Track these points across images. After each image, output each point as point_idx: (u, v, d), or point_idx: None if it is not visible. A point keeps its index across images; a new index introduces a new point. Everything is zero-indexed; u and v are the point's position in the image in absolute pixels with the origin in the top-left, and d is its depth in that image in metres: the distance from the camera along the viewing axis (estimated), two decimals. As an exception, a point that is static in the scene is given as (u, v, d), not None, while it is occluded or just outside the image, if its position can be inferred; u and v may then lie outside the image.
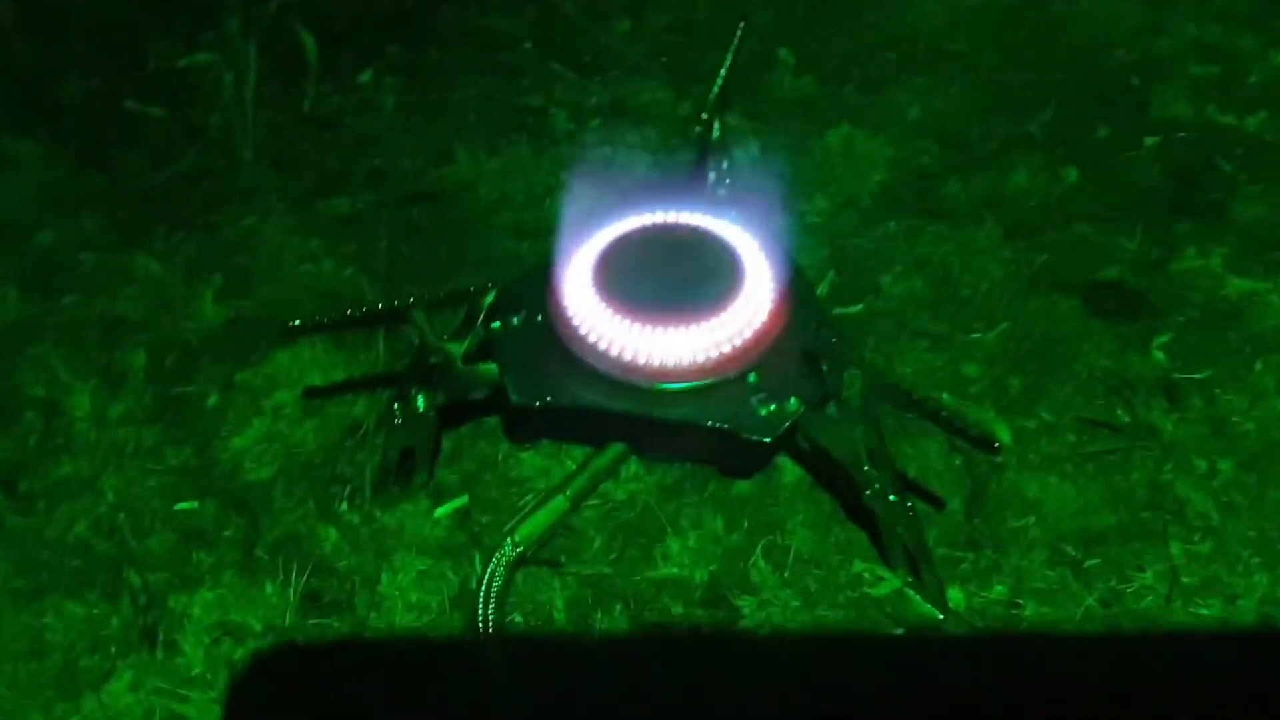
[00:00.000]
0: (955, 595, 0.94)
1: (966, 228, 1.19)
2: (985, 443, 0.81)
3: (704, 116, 1.04)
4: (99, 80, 1.44)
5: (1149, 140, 1.25)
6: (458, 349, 0.94)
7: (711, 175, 1.07)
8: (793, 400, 0.90)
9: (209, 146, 1.36)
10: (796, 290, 0.95)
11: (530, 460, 1.04)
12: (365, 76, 1.43)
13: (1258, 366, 1.06)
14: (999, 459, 1.00)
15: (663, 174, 1.25)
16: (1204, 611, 0.92)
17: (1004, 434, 1.03)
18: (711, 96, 1.03)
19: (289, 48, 1.44)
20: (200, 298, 1.19)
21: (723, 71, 1.04)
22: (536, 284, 0.97)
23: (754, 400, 0.91)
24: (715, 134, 1.06)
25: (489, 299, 0.93)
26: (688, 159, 1.20)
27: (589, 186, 1.20)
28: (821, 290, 1.14)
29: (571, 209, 1.08)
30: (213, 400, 1.10)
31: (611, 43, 1.41)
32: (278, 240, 1.23)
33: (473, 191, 1.27)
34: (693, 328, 0.91)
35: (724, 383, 0.92)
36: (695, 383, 0.91)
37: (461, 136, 1.33)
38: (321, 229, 1.25)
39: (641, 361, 0.91)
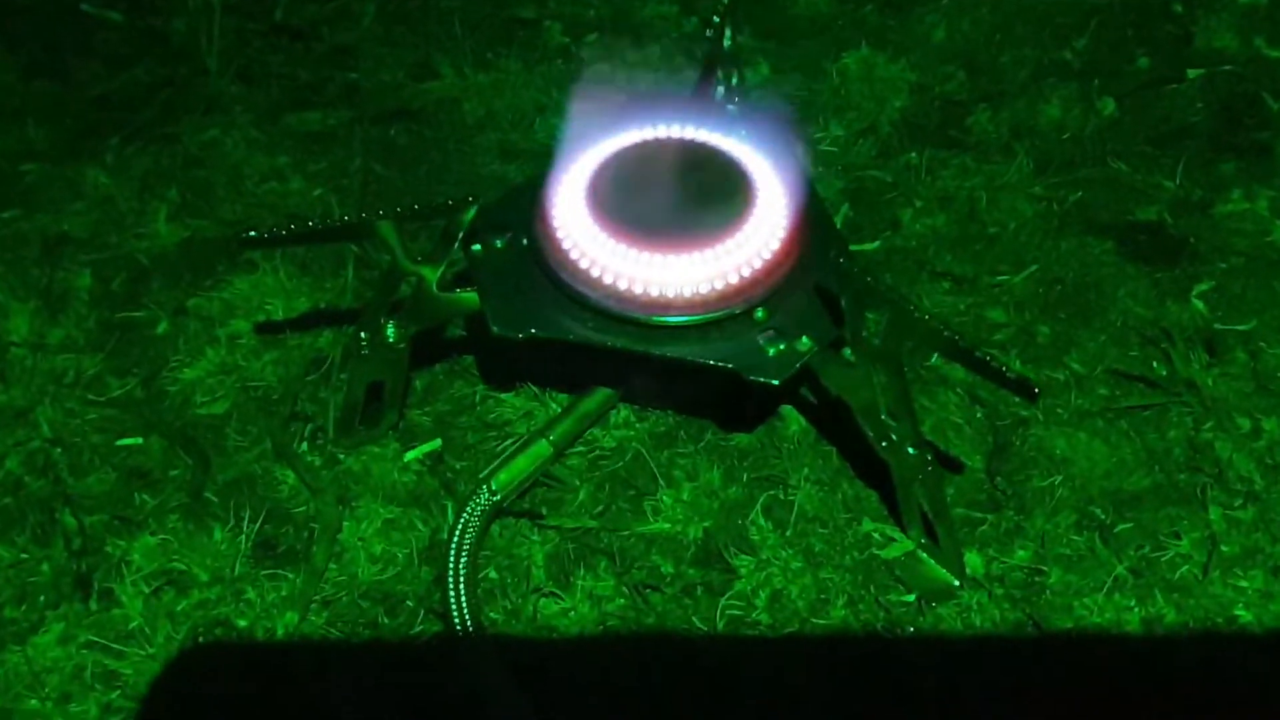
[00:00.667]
0: (973, 560, 0.85)
1: (994, 161, 1.09)
2: (1024, 387, 0.72)
3: (715, 20, 0.93)
4: (53, -19, 1.33)
5: (1192, 73, 1.16)
6: (433, 273, 0.84)
7: (720, 89, 0.97)
8: (804, 339, 0.81)
9: (170, 55, 1.25)
10: (813, 217, 0.86)
11: (510, 402, 0.95)
12: (343, -17, 1.32)
13: (1308, 319, 0.97)
14: (1026, 412, 0.92)
15: (666, 84, 1.15)
16: (1244, 584, 0.84)
17: (1031, 385, 0.94)
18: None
19: (260, -49, 1.33)
20: (153, 215, 1.08)
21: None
22: (523, 202, 0.87)
23: (761, 338, 0.82)
24: (726, 43, 0.96)
25: (469, 216, 0.83)
26: (693, 79, 1.09)
27: (584, 106, 1.09)
28: (835, 221, 1.04)
29: (564, 129, 0.99)
30: (162, 327, 1.00)
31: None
32: (241, 155, 1.13)
33: (456, 109, 1.17)
34: (695, 255, 0.82)
35: (728, 318, 0.82)
36: (696, 317, 0.82)
37: (445, 49, 1.22)
38: (289, 145, 1.14)
39: (638, 291, 0.81)
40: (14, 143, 1.15)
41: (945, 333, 0.74)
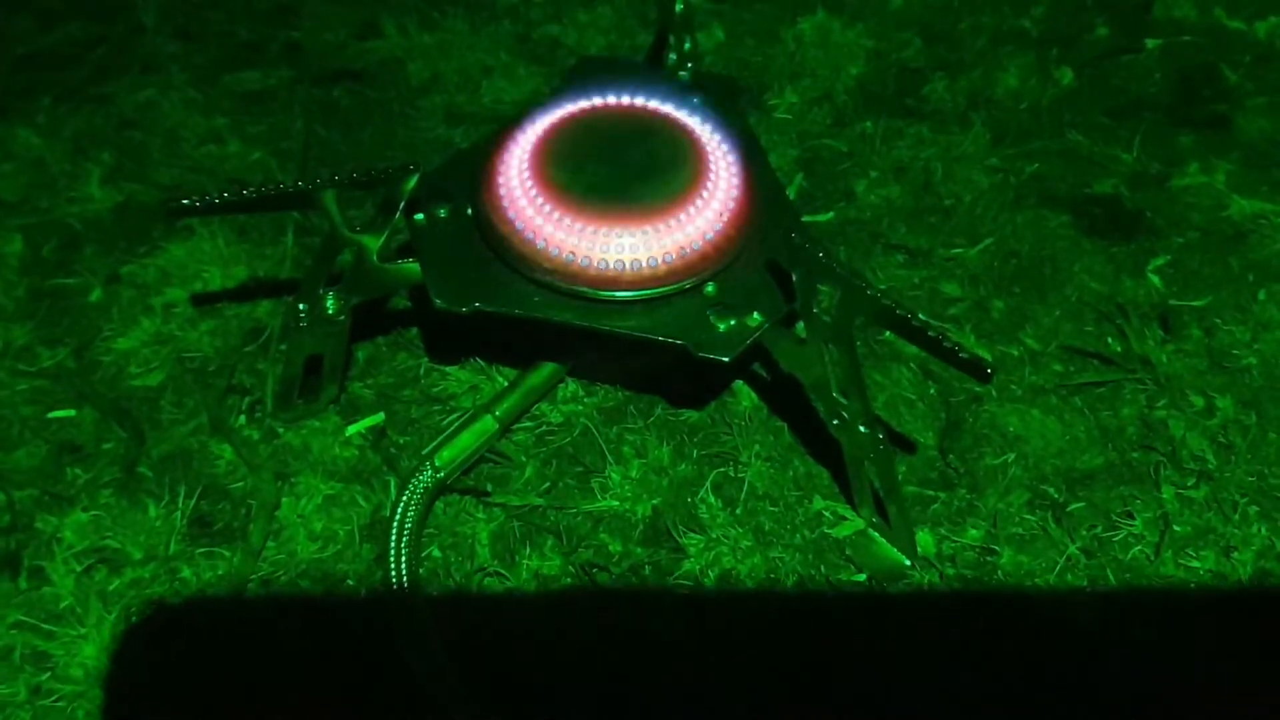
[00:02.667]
0: (925, 539, 0.84)
1: (951, 131, 1.07)
2: (977, 367, 0.70)
3: (666, -10, 0.91)
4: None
5: (1151, 42, 1.14)
6: (374, 243, 0.81)
7: (672, 56, 0.95)
8: (755, 315, 0.79)
9: (105, 11, 1.21)
10: (765, 190, 0.84)
11: (455, 375, 0.93)
12: (285, -63, 1.28)
13: (1261, 295, 0.97)
14: (979, 389, 0.90)
15: (617, 50, 1.12)
16: (1196, 564, 0.83)
17: (985, 361, 0.92)
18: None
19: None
20: (86, 178, 1.05)
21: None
22: (467, 170, 0.85)
23: (712, 314, 0.79)
24: (679, 7, 0.93)
25: (411, 184, 0.80)
26: (645, 43, 1.07)
27: (532, 69, 1.06)
28: (789, 193, 1.02)
29: (511, 93, 0.95)
30: (95, 295, 0.97)
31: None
32: (178, 116, 1.09)
33: (401, 69, 1.14)
34: (645, 229, 0.79)
35: (678, 293, 0.80)
36: (646, 291, 0.80)
37: (390, 7, 1.19)
38: (228, 106, 1.11)
39: (585, 266, 0.79)
40: (-62, 100, 1.11)
41: (898, 311, 0.72)
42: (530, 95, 0.99)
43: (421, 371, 0.93)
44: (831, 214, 1.02)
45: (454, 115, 1.10)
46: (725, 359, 0.78)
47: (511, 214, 0.80)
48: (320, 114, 1.10)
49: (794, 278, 0.78)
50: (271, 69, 1.14)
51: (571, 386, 0.92)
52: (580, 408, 0.91)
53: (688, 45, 0.95)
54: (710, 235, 0.80)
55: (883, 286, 0.97)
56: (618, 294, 0.80)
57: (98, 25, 1.19)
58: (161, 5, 1.20)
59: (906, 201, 1.03)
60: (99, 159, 1.06)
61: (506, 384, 0.90)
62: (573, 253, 0.79)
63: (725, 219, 0.81)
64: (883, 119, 1.08)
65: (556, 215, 0.80)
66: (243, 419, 0.90)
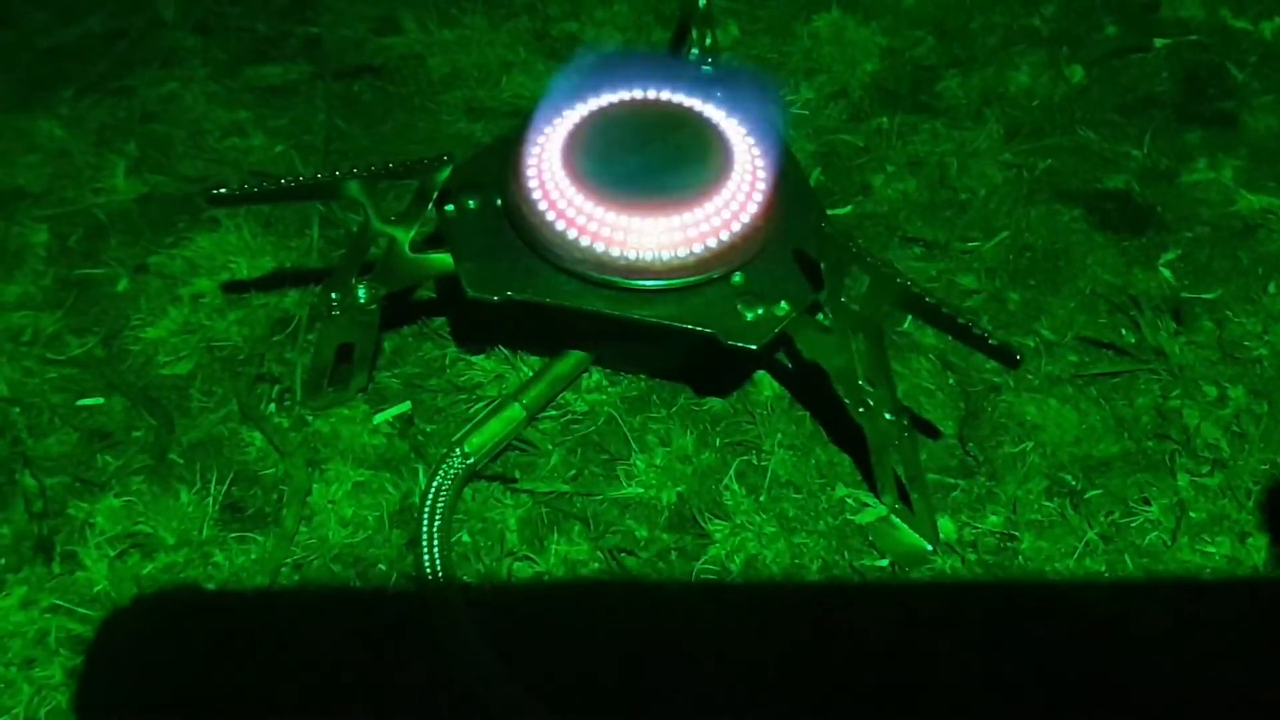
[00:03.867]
0: (946, 525, 0.86)
1: (965, 127, 1.09)
2: (1006, 354, 0.72)
3: (689, -16, 0.92)
4: (1, -75, 1.28)
5: (1159, 41, 1.16)
6: (405, 234, 0.82)
7: (694, 50, 0.96)
8: (783, 304, 0.81)
9: (125, 6, 1.21)
10: (790, 180, 0.85)
11: (481, 365, 0.94)
12: (303, -69, 1.29)
13: (1271, 288, 0.99)
14: (997, 379, 0.92)
15: (637, 44, 1.13)
16: (1211, 549, 0.85)
17: (1002, 352, 0.94)
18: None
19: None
20: (111, 169, 1.05)
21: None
22: (497, 162, 0.86)
23: (739, 303, 0.81)
24: (701, 3, 0.94)
25: (444, 175, 0.81)
26: (660, 38, 1.08)
27: (550, 64, 1.08)
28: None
29: (530, 88, 0.97)
30: (123, 285, 0.98)
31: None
32: (200, 109, 1.10)
33: (421, 64, 1.15)
34: (674, 219, 0.81)
35: (706, 282, 0.82)
36: (675, 280, 0.81)
37: (408, 4, 1.20)
38: (250, 100, 1.12)
39: (616, 255, 0.80)
40: (-36, 94, 1.12)
41: (927, 299, 0.73)
42: (556, 89, 1.00)
43: (447, 361, 0.94)
44: (849, 207, 1.04)
45: (475, 110, 1.11)
46: (753, 347, 0.79)
47: (543, 204, 0.82)
48: (341, 108, 1.11)
49: (822, 267, 0.79)
50: (291, 63, 1.15)
51: (596, 376, 0.93)
52: (604, 397, 0.92)
53: (710, 39, 0.97)
54: (738, 226, 0.81)
55: (901, 279, 0.98)
56: (647, 283, 0.81)
57: (117, 20, 1.20)
58: (180, 0, 1.20)
59: (923, 195, 1.04)
60: (123, 151, 1.07)
61: (531, 373, 0.91)
62: (603, 242, 0.80)
63: (752, 210, 0.82)
64: (898, 114, 1.10)
65: (587, 205, 0.81)
66: (272, 407, 0.91)
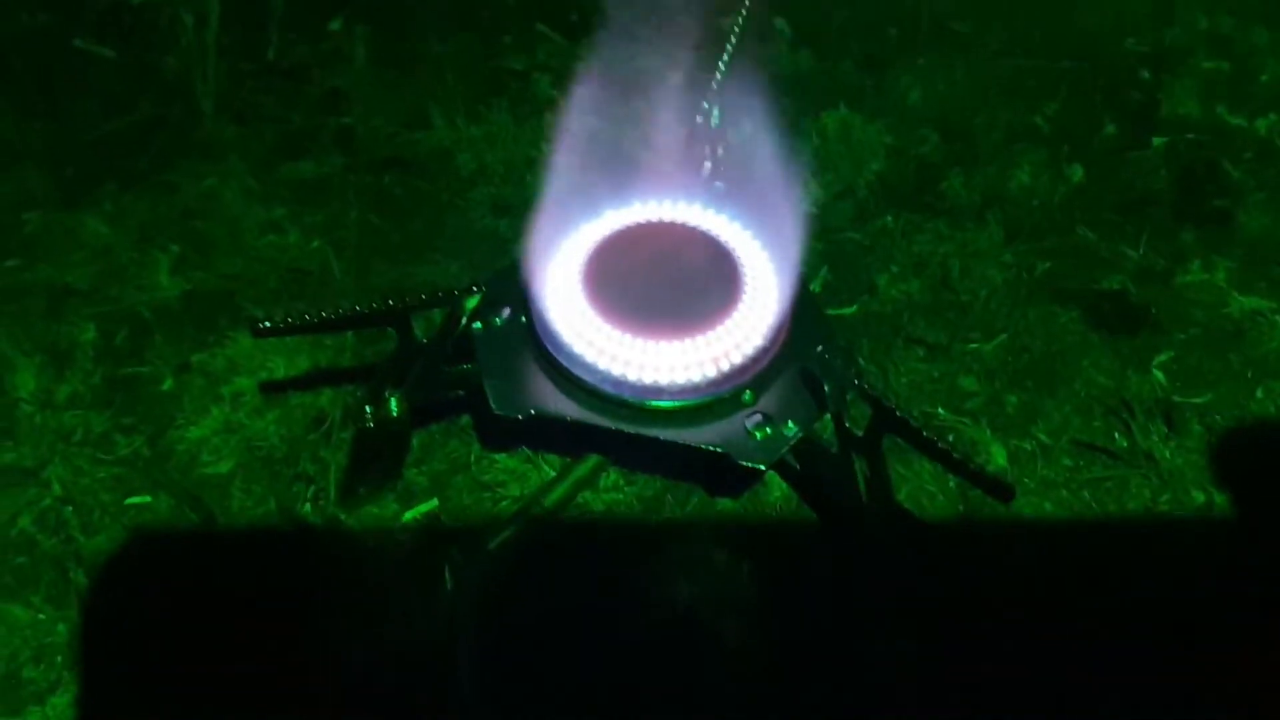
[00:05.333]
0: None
1: (967, 227, 1.14)
2: (999, 488, 0.77)
3: (705, 106, 0.97)
4: (46, 15, 1.33)
5: (1157, 140, 1.20)
6: (438, 351, 0.88)
7: (707, 165, 1.01)
8: (790, 424, 0.86)
9: (165, 93, 1.27)
10: (800, 303, 0.90)
11: (504, 463, 0.99)
12: (335, 24, 1.34)
13: (1259, 393, 1.03)
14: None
15: (652, 153, 1.18)
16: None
17: (1000, 455, 0.99)
18: (720, 76, 0.98)
19: (252, -13, 1.34)
20: (154, 267, 1.11)
21: (726, 57, 0.98)
22: (521, 281, 0.91)
23: (749, 423, 0.86)
24: (715, 122, 1.00)
25: (474, 303, 0.87)
26: (678, 135, 1.13)
27: (572, 164, 1.13)
28: (814, 287, 1.09)
29: (554, 191, 1.02)
30: (167, 384, 1.03)
31: (599, 2, 1.33)
32: (239, 206, 1.15)
33: (449, 160, 1.20)
34: (687, 342, 0.86)
35: (717, 401, 0.87)
36: (687, 401, 0.86)
37: (437, 98, 1.25)
38: (286, 195, 1.17)
39: (632, 377, 0.86)
40: (14, 189, 1.17)
41: (925, 434, 0.78)
42: (571, 194, 1.05)
43: (472, 459, 0.99)
44: (855, 307, 1.09)
45: (500, 206, 1.16)
46: (763, 466, 0.85)
47: (562, 327, 0.87)
48: (373, 202, 1.16)
49: (826, 389, 0.85)
50: (325, 156, 1.21)
51: (613, 475, 0.98)
52: (621, 496, 0.97)
53: (721, 152, 1.02)
54: (748, 348, 0.87)
55: (904, 380, 1.03)
56: (661, 403, 0.86)
57: (158, 108, 1.25)
58: (218, 89, 1.26)
59: (925, 296, 1.09)
60: (166, 248, 1.12)
61: (553, 473, 0.97)
62: (620, 363, 0.86)
63: (761, 333, 0.87)
64: (903, 214, 1.15)
65: (605, 327, 0.86)
66: (308, 506, 0.96)
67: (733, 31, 1.03)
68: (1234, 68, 1.26)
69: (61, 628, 0.90)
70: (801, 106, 1.23)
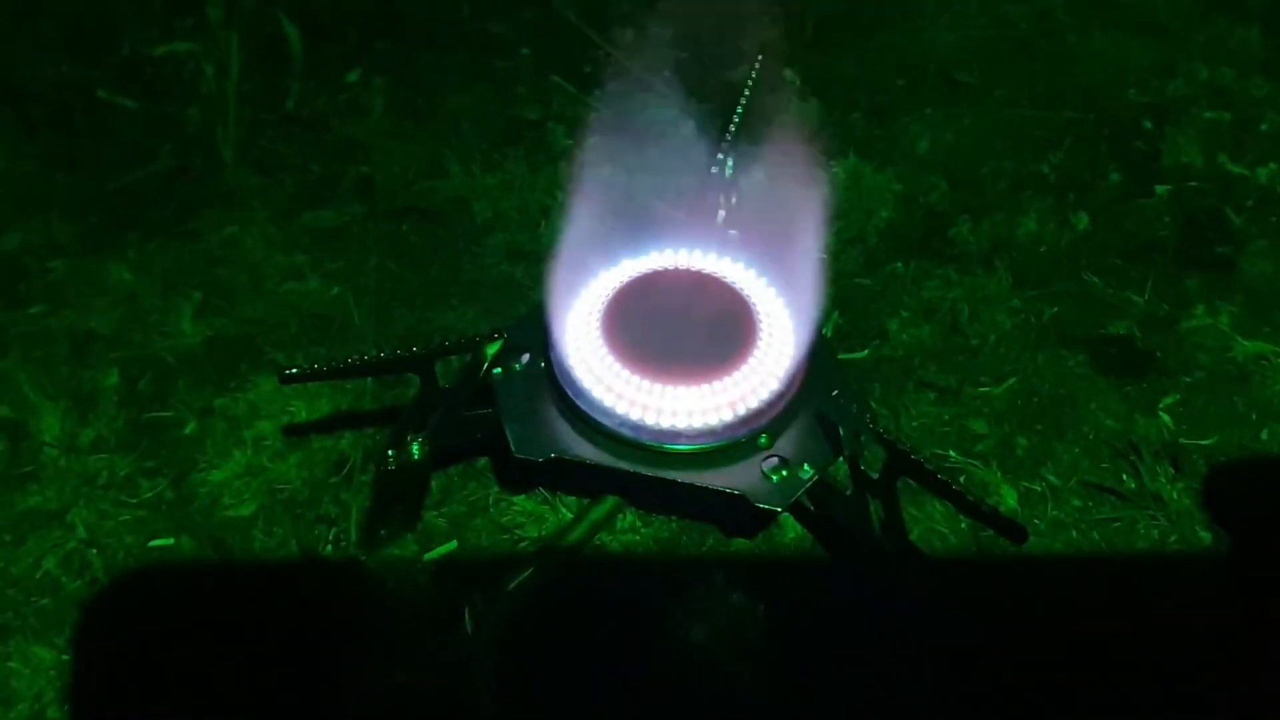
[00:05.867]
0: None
1: (975, 273, 1.16)
2: (1013, 530, 0.78)
3: (719, 157, 1.00)
4: (69, 66, 1.36)
5: (1160, 189, 1.23)
6: (459, 396, 0.90)
7: (721, 214, 1.03)
8: (806, 467, 0.88)
9: (186, 143, 1.29)
10: (814, 349, 0.92)
11: (522, 505, 1.00)
12: (353, 75, 1.37)
13: (1264, 435, 1.04)
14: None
15: (666, 202, 1.20)
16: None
17: (1010, 497, 1.01)
18: (733, 127, 1.00)
19: (272, 40, 1.37)
20: (178, 313, 1.13)
21: (740, 110, 1.01)
22: (539, 326, 0.93)
23: (765, 466, 0.88)
24: (728, 172, 1.02)
25: (494, 349, 0.89)
26: (690, 184, 1.15)
27: (587, 211, 1.15)
28: (826, 331, 1.10)
29: (570, 238, 1.04)
30: (190, 428, 1.05)
31: (613, 54, 1.36)
32: (260, 253, 1.18)
33: (466, 208, 1.22)
34: (704, 387, 0.88)
35: (733, 445, 0.89)
36: (704, 445, 0.88)
37: (454, 147, 1.28)
38: (306, 243, 1.19)
39: (649, 421, 0.87)
40: (39, 237, 1.19)
41: (939, 476, 0.80)
42: (586, 243, 1.07)
43: (490, 501, 1.01)
44: (867, 351, 1.11)
45: (515, 253, 1.18)
46: (779, 509, 0.86)
47: (581, 372, 0.89)
48: (392, 249, 1.19)
49: (840, 432, 0.86)
50: (345, 204, 1.23)
51: (630, 517, 1.00)
52: (637, 538, 0.99)
53: (735, 200, 1.04)
54: (764, 393, 0.88)
55: (915, 424, 1.05)
56: (679, 446, 0.88)
57: (179, 158, 1.28)
58: (239, 138, 1.28)
59: (935, 341, 1.11)
60: (189, 295, 1.14)
61: (570, 515, 0.98)
62: (639, 408, 0.87)
63: (777, 377, 0.89)
64: (913, 260, 1.17)
65: (623, 373, 0.88)
66: (330, 549, 0.98)
67: (746, 83, 1.05)
68: (1235, 117, 1.29)
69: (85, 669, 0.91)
70: (812, 156, 1.25)
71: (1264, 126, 1.28)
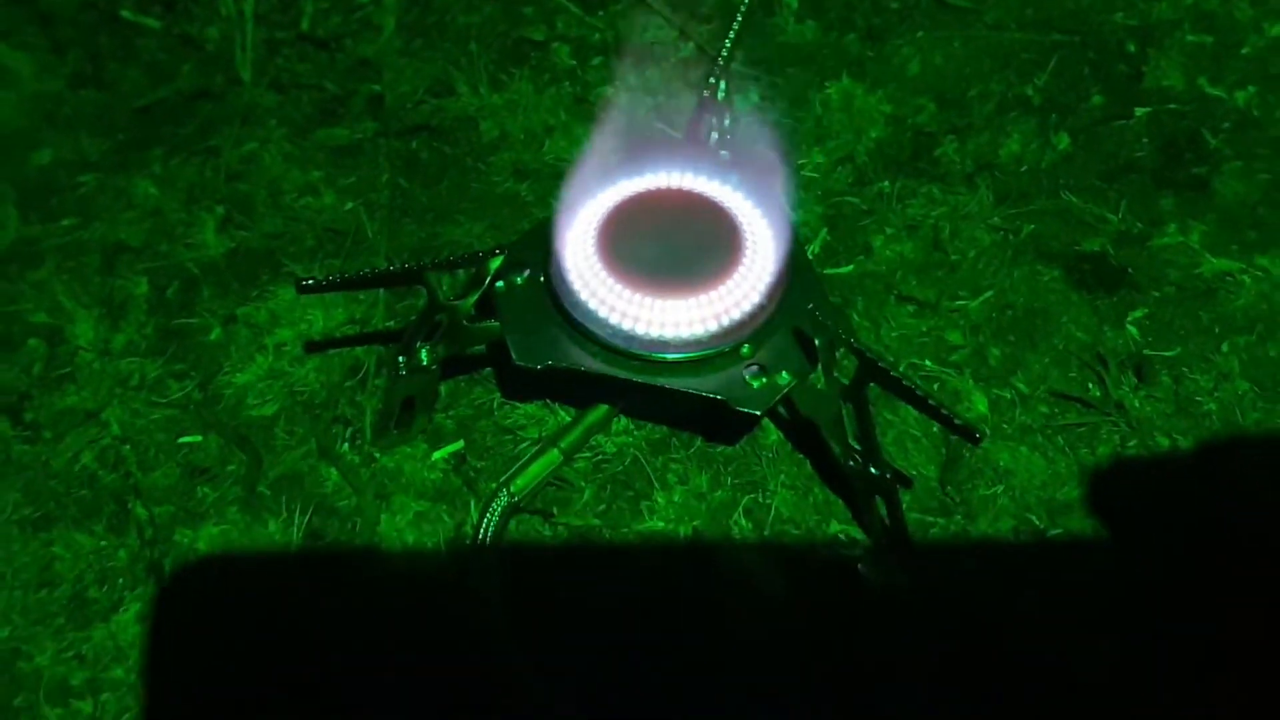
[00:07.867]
0: (925, 559, 1.00)
1: (959, 192, 1.21)
2: (968, 433, 0.85)
3: (711, 81, 1.05)
4: (94, -14, 1.42)
5: (1140, 110, 1.27)
6: (464, 308, 0.96)
7: (714, 135, 1.09)
8: (784, 374, 0.94)
9: (206, 63, 1.35)
10: (794, 264, 0.98)
11: (524, 409, 1.08)
12: (364, -6, 1.42)
13: (1224, 348, 1.10)
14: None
15: (664, 121, 1.26)
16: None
17: (981, 403, 1.07)
18: (724, 54, 1.05)
19: (287, -40, 1.42)
20: (201, 226, 1.20)
21: (733, 33, 1.05)
22: (540, 242, 0.99)
23: (746, 373, 0.94)
24: (721, 95, 1.07)
25: (497, 264, 0.95)
26: (689, 104, 1.20)
27: (588, 132, 1.21)
28: (814, 248, 1.17)
29: (571, 158, 1.10)
30: (215, 334, 1.12)
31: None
32: (278, 170, 1.24)
33: (473, 127, 1.28)
34: (691, 300, 0.94)
35: (718, 354, 0.95)
36: (691, 354, 0.95)
37: (462, 67, 1.33)
38: (321, 159, 1.25)
39: (641, 331, 0.94)
40: (70, 153, 1.26)
41: (904, 383, 0.87)
42: (587, 162, 1.13)
43: (495, 405, 1.08)
44: (851, 266, 1.16)
45: (520, 171, 1.24)
46: (758, 413, 0.93)
47: (578, 284, 0.95)
48: (403, 167, 1.25)
49: (816, 343, 0.93)
50: (357, 123, 1.29)
51: (623, 421, 1.07)
52: (631, 439, 1.06)
53: (728, 123, 1.09)
54: (746, 306, 0.95)
55: (894, 334, 1.11)
56: (667, 355, 0.95)
57: (200, 78, 1.33)
58: (256, 59, 1.34)
59: (918, 256, 1.17)
60: (212, 209, 1.21)
61: (568, 418, 1.06)
62: (630, 319, 0.94)
63: (759, 292, 0.95)
64: (899, 179, 1.22)
65: (617, 287, 0.94)
66: (346, 446, 1.05)
67: (740, 6, 1.09)
68: (1217, 41, 1.32)
69: (122, 553, 0.99)
70: (807, 77, 1.30)
71: (1245, 50, 1.32)
